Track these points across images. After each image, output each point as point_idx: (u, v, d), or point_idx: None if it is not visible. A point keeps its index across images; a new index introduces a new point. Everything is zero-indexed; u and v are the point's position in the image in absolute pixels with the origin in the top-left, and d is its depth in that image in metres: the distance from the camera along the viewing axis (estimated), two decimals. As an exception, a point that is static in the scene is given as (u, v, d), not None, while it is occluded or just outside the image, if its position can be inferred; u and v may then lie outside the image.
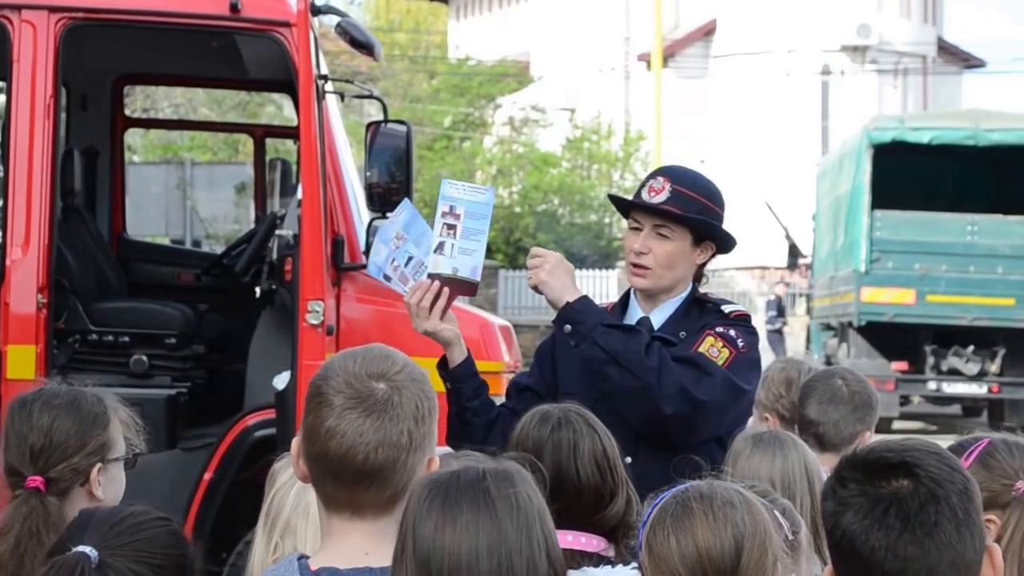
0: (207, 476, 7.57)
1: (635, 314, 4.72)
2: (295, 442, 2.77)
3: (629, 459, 4.36)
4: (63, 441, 3.39)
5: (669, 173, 4.69)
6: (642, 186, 4.67)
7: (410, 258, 4.62)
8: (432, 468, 2.72)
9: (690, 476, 2.82)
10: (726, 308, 4.68)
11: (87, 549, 2.62)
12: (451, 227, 4.45)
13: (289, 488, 3.69)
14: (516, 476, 2.53)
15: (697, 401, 4.44)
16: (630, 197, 4.78)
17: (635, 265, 4.63)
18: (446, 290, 4.51)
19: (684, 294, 4.71)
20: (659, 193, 4.58)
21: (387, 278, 4.65)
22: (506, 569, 2.42)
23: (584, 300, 4.54)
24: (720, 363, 4.51)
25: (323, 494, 2.73)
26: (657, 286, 4.65)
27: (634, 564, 3.28)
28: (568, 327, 4.50)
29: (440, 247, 4.45)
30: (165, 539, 2.72)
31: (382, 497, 2.69)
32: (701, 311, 4.69)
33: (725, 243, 4.69)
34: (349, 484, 2.68)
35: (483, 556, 2.42)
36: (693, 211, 4.60)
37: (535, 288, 4.53)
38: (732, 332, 4.58)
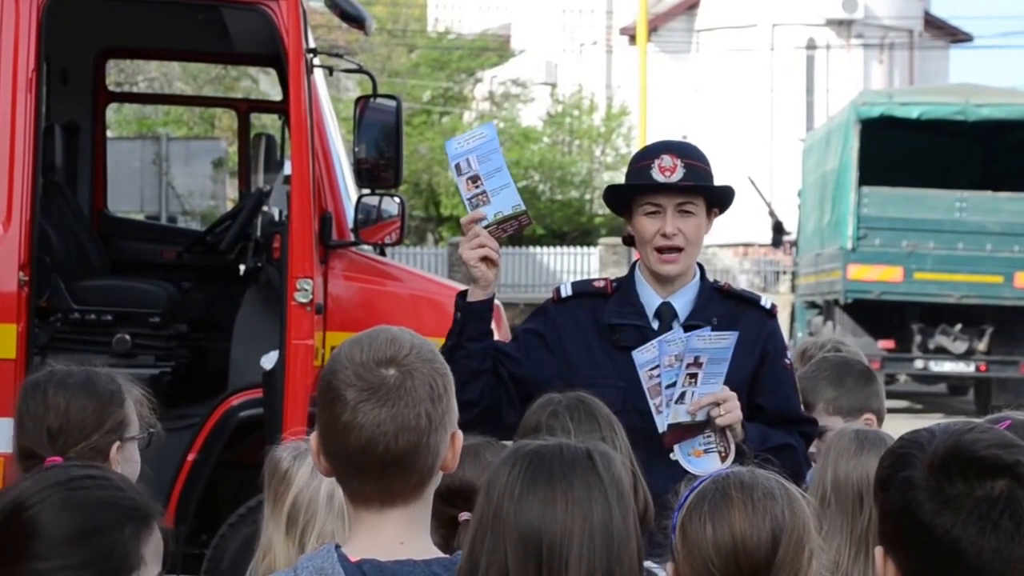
0: (191, 457, 7.51)
1: (652, 300, 4.57)
2: (313, 438, 2.72)
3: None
4: (81, 420, 3.38)
5: (672, 149, 4.55)
6: (646, 168, 4.50)
7: None
8: (456, 443, 2.71)
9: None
10: (765, 303, 4.66)
11: None
12: (692, 376, 4.30)
13: (316, 490, 3.62)
14: (613, 457, 2.55)
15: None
16: (621, 181, 4.68)
17: (666, 249, 4.48)
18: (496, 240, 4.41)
19: (696, 276, 4.61)
20: (674, 171, 4.45)
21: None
22: (614, 548, 2.44)
23: (752, 430, 4.41)
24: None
25: (349, 488, 2.69)
26: (687, 266, 4.55)
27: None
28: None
29: (681, 397, 4.31)
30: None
31: (410, 483, 2.66)
32: (727, 298, 4.62)
33: (725, 204, 4.63)
34: (374, 475, 2.64)
35: (597, 534, 2.42)
36: (710, 182, 4.54)
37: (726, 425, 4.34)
38: (784, 346, 4.65)
